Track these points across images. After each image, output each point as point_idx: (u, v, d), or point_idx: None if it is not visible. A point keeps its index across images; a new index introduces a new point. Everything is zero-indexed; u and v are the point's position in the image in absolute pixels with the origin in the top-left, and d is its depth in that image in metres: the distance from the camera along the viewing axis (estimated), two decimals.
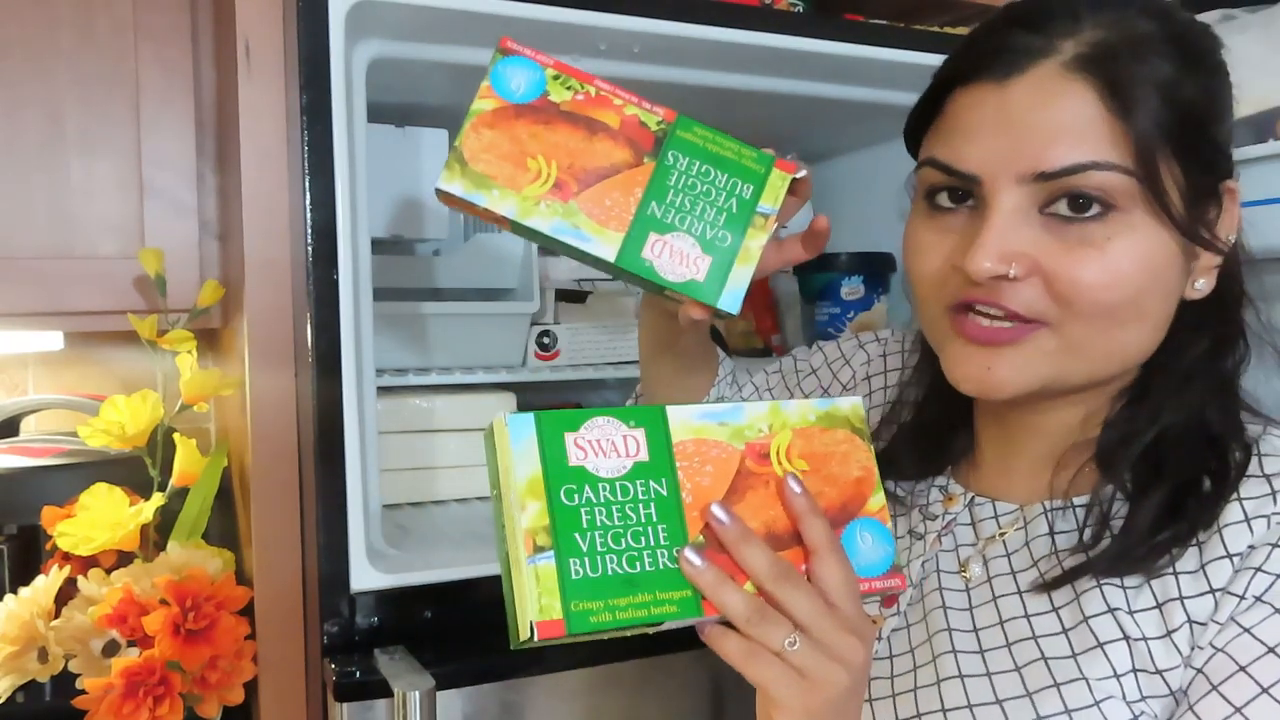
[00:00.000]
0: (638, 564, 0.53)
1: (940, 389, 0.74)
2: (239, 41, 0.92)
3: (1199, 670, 0.55)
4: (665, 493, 0.54)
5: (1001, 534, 0.67)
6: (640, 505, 0.54)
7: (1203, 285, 0.62)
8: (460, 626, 0.95)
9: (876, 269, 1.41)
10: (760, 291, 1.59)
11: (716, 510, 0.53)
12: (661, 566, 0.53)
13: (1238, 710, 0.52)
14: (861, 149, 1.51)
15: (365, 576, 0.91)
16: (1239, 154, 0.65)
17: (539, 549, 0.52)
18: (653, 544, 0.53)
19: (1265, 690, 0.52)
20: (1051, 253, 0.58)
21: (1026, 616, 0.62)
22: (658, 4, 0.98)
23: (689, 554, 0.53)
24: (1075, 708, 0.57)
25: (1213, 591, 0.55)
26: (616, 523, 0.53)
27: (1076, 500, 0.64)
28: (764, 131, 1.47)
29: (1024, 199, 0.58)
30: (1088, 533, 0.62)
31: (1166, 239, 0.58)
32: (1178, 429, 0.61)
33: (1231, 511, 0.57)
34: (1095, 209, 0.57)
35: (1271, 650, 0.52)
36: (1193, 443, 0.60)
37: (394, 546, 0.98)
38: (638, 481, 0.54)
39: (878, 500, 0.59)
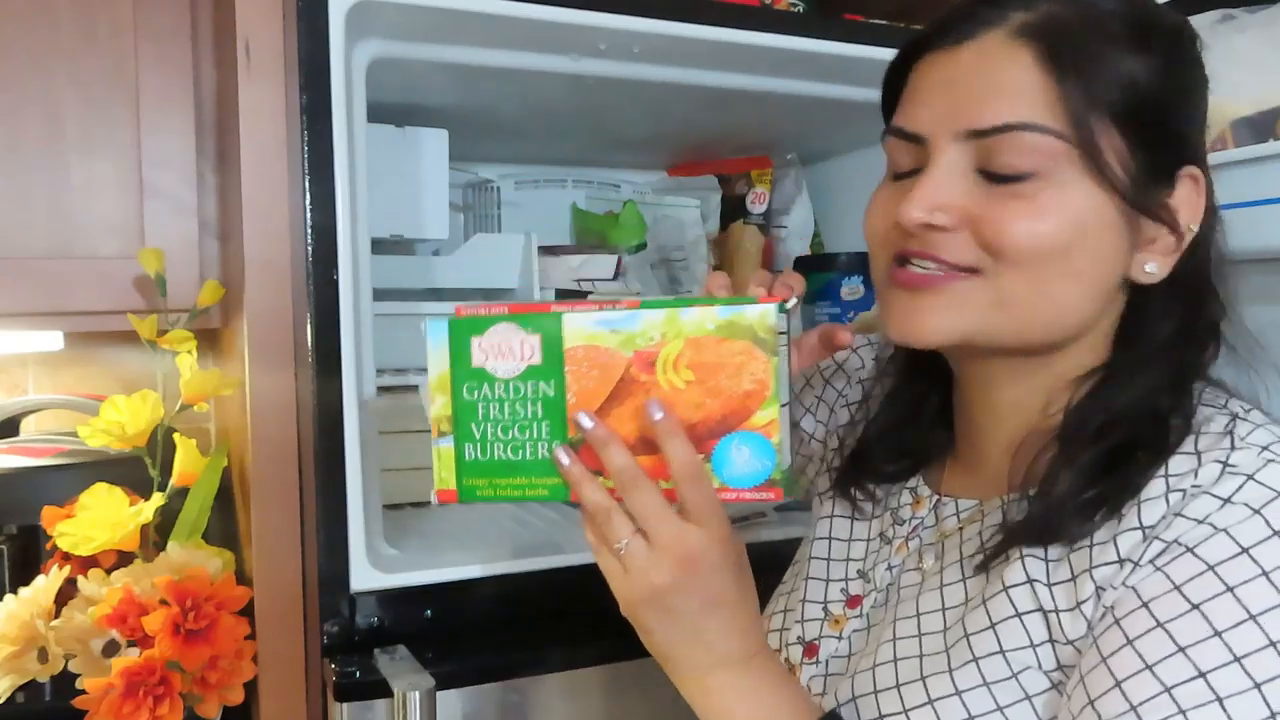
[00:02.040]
0: (521, 452, 0.62)
1: (907, 384, 0.74)
2: (239, 41, 0.92)
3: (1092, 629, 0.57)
4: (553, 394, 0.62)
5: (960, 528, 0.68)
6: (529, 403, 0.62)
7: (1153, 269, 0.62)
8: (460, 626, 0.95)
9: None
10: None
11: (581, 417, 0.61)
12: (540, 457, 0.62)
13: (1103, 660, 0.54)
14: (861, 149, 1.51)
15: (365, 576, 0.91)
16: (1239, 154, 0.65)
17: (442, 433, 0.63)
18: (535, 437, 0.62)
19: (1130, 642, 0.53)
20: (982, 203, 0.60)
21: (965, 600, 0.63)
22: (658, 4, 0.98)
23: (559, 451, 0.61)
24: (993, 680, 0.58)
25: (1120, 561, 0.56)
26: (507, 417, 0.62)
27: (1033, 493, 0.64)
28: (764, 132, 1.48)
29: (961, 157, 0.61)
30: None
31: (1102, 202, 0.59)
32: (1127, 408, 0.62)
33: (1154, 487, 0.57)
34: (1025, 170, 0.59)
35: (1145, 605, 0.54)
36: (1136, 419, 0.61)
37: (394, 546, 0.98)
38: (529, 382, 0.62)
39: (766, 415, 0.60)
